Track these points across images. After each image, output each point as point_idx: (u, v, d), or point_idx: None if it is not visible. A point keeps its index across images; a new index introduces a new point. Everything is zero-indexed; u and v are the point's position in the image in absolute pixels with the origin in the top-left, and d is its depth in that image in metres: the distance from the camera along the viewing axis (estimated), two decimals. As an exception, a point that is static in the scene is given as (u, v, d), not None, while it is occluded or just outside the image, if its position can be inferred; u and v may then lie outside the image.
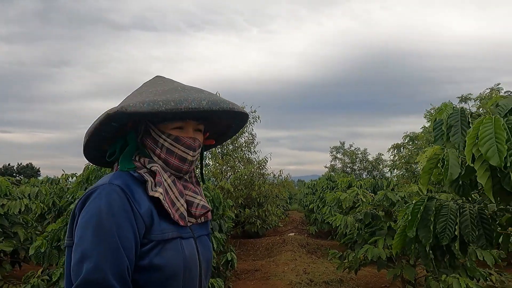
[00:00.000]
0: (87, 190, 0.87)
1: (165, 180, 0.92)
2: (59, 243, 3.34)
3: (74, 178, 5.82)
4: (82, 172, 4.34)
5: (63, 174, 6.12)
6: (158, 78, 1.03)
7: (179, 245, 0.89)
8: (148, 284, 0.83)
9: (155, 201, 0.89)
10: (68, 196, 4.40)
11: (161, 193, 0.89)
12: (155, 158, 0.95)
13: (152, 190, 0.89)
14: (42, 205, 4.87)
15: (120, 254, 0.78)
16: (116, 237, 0.79)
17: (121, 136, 0.95)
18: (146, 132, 0.96)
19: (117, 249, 0.78)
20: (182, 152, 0.95)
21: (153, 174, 0.93)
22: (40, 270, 3.33)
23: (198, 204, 0.99)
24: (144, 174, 0.91)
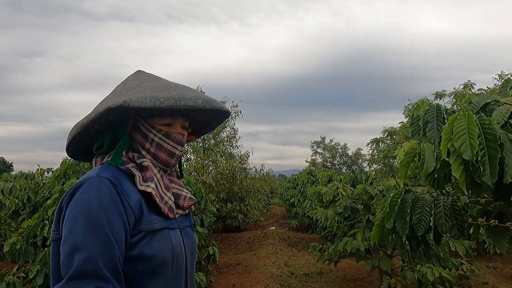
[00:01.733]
0: (74, 183, 0.87)
1: (154, 175, 0.94)
2: (35, 240, 3.25)
3: (50, 173, 5.65)
4: (59, 166, 4.22)
5: (38, 168, 5.93)
6: (142, 73, 1.04)
7: (167, 235, 0.90)
8: (138, 275, 0.84)
9: (144, 194, 0.90)
10: (44, 192, 4.27)
11: (154, 188, 0.90)
12: (144, 153, 0.96)
13: (141, 185, 0.89)
14: (16, 200, 4.71)
15: (112, 246, 0.78)
16: (107, 229, 0.79)
17: (109, 129, 0.94)
18: (134, 127, 0.96)
19: (108, 241, 0.78)
20: (171, 147, 0.97)
21: (141, 168, 0.93)
22: (16, 267, 3.24)
23: (185, 196, 1.02)
24: (131, 169, 0.91)
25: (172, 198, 0.98)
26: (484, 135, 1.27)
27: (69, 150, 0.99)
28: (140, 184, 0.89)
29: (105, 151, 0.94)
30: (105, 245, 0.77)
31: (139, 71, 1.06)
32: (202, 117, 1.11)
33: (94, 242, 0.77)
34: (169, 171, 1.02)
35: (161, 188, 0.95)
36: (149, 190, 0.89)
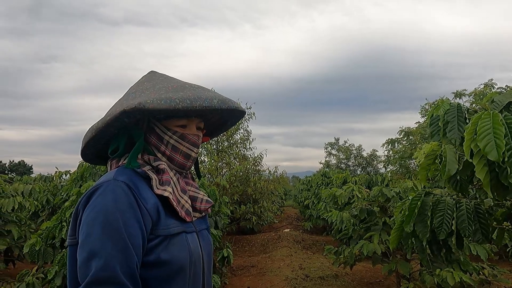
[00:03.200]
0: (91, 186, 0.86)
1: (171, 178, 0.93)
2: (54, 241, 3.31)
3: (68, 175, 5.76)
4: (76, 169, 4.30)
5: (56, 171, 6.06)
6: (155, 74, 1.02)
7: (184, 240, 0.88)
8: (156, 280, 0.83)
9: (160, 197, 0.89)
10: (62, 194, 4.35)
11: (171, 192, 0.89)
12: (159, 155, 0.95)
13: (158, 188, 0.88)
14: (35, 202, 4.81)
15: (129, 251, 0.77)
16: (124, 234, 0.77)
17: (124, 132, 0.93)
18: (149, 129, 0.96)
19: (125, 246, 0.77)
20: (187, 149, 0.96)
21: (157, 171, 0.92)
22: (35, 268, 3.30)
23: (202, 199, 1.01)
24: (148, 172, 0.90)
25: (189, 201, 0.96)
26: (510, 135, 1.22)
27: (84, 153, 0.98)
28: (157, 188, 0.88)
29: (120, 154, 0.93)
30: (123, 251, 0.76)
31: (152, 71, 1.05)
32: (217, 117, 1.10)
33: (111, 248, 0.75)
34: (184, 173, 1.01)
35: (177, 191, 0.93)
36: (166, 194, 0.87)
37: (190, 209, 0.95)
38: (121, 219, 0.78)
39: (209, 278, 0.97)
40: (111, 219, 0.77)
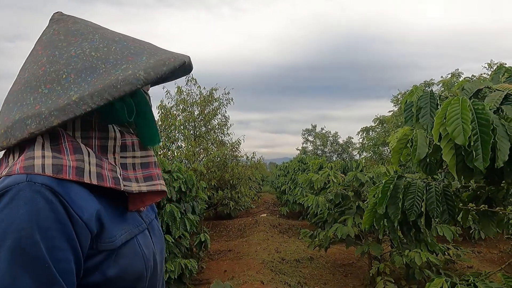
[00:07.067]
0: None
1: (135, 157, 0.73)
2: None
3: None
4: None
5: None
6: (70, 31, 0.69)
7: (136, 245, 0.69)
8: None
9: (106, 194, 0.66)
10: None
11: (137, 188, 0.68)
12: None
13: (124, 185, 0.66)
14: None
15: (58, 284, 0.55)
16: (49, 261, 0.54)
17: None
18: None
19: (52, 279, 0.54)
20: None
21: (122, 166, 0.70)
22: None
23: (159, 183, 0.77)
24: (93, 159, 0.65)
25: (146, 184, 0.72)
26: (477, 120, 1.28)
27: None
28: (116, 182, 0.64)
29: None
30: (48, 284, 0.54)
31: (55, 23, 0.71)
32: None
33: (30, 284, 0.53)
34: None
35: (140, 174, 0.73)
36: (134, 188, 0.67)
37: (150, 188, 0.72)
38: (42, 242, 0.54)
39: (162, 273, 0.81)
40: (26, 243, 0.53)
